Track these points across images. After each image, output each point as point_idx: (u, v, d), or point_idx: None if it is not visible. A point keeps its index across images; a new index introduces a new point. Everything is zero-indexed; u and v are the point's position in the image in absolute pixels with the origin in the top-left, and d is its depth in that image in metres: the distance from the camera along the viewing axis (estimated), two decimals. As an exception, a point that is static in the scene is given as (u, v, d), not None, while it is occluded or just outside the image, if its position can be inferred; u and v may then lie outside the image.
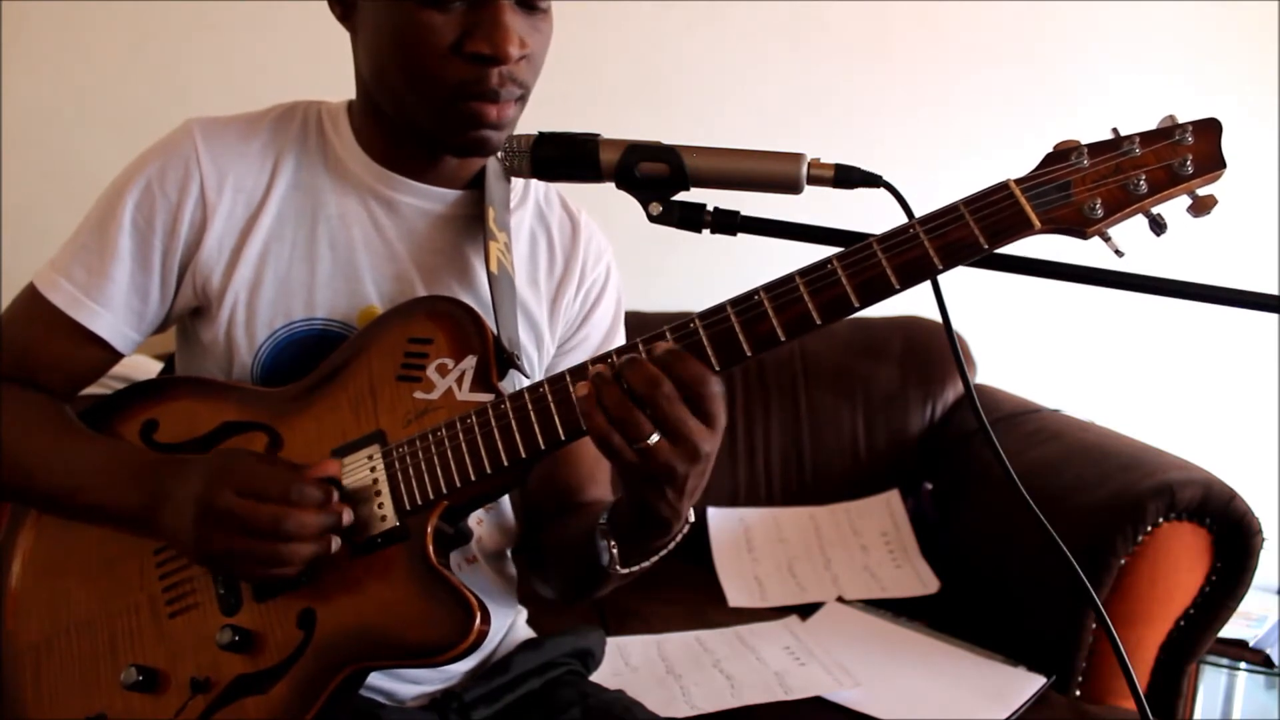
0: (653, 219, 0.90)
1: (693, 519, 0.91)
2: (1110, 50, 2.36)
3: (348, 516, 0.90)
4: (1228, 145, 0.77)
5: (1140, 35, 2.36)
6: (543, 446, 0.88)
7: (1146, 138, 0.79)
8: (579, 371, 0.87)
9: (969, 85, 2.36)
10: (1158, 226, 0.79)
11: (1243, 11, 2.34)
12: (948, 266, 0.80)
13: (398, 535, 0.91)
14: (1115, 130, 0.80)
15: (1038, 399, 2.07)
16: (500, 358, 0.96)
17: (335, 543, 0.89)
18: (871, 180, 0.85)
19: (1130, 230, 0.81)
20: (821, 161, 0.86)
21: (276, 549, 0.87)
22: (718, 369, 0.83)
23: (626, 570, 0.95)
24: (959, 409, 2.15)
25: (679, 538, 0.93)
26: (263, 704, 0.91)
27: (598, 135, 0.91)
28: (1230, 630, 1.77)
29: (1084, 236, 0.79)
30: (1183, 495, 1.49)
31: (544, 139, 0.92)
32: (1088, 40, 2.35)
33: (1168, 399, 2.44)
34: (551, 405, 0.88)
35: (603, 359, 0.86)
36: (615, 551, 0.93)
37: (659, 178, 0.88)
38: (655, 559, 0.95)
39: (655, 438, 0.79)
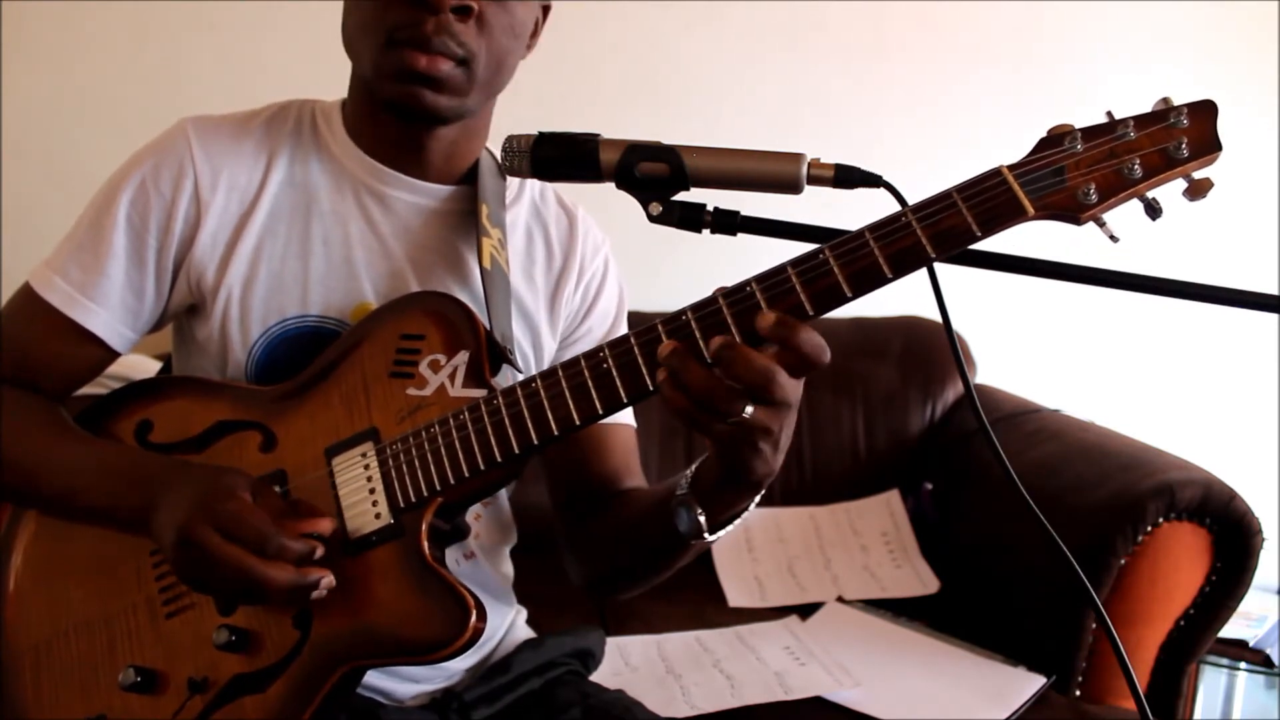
0: (653, 219, 0.89)
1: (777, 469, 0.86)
2: (1110, 50, 2.35)
3: (326, 581, 0.88)
4: (1226, 142, 0.76)
5: (1140, 35, 2.35)
6: (535, 441, 0.87)
7: (1141, 121, 0.78)
8: (572, 364, 0.86)
9: (968, 85, 2.35)
10: (1153, 211, 0.78)
11: (1243, 11, 2.34)
12: (941, 255, 0.79)
13: (392, 533, 0.91)
14: (1109, 114, 0.79)
15: (1038, 399, 2.06)
16: (493, 353, 0.95)
17: (318, 593, 0.88)
18: (871, 180, 0.84)
19: (1129, 227, 0.80)
20: (821, 161, 0.85)
21: (248, 592, 0.87)
22: (710, 361, 0.81)
23: (713, 537, 0.91)
24: (959, 409, 2.15)
25: (760, 494, 0.89)
26: (260, 703, 0.91)
27: (598, 135, 0.91)
28: (1230, 630, 1.77)
29: (1078, 222, 0.78)
30: (1183, 495, 1.49)
31: (544, 139, 0.91)
32: (1087, 40, 2.35)
33: (1168, 399, 2.44)
34: (544, 400, 0.87)
35: (595, 352, 0.85)
36: (703, 519, 0.89)
37: (659, 178, 0.88)
38: (740, 520, 0.92)
39: (751, 409, 0.78)
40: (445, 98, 0.97)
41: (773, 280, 0.81)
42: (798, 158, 0.85)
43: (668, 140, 0.89)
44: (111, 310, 1.02)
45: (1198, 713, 2.07)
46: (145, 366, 1.62)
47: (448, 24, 0.93)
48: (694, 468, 0.91)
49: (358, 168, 1.05)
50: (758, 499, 0.90)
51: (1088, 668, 1.55)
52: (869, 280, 0.79)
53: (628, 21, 2.25)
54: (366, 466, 0.93)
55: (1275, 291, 0.77)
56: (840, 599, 1.80)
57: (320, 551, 0.89)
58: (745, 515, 0.92)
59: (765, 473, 0.84)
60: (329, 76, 1.16)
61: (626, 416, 1.14)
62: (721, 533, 0.91)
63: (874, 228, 0.80)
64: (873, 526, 2.01)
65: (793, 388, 0.79)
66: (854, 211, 0.99)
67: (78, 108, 2.14)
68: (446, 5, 0.92)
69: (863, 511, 2.05)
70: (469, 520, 1.06)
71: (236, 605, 0.93)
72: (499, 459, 0.89)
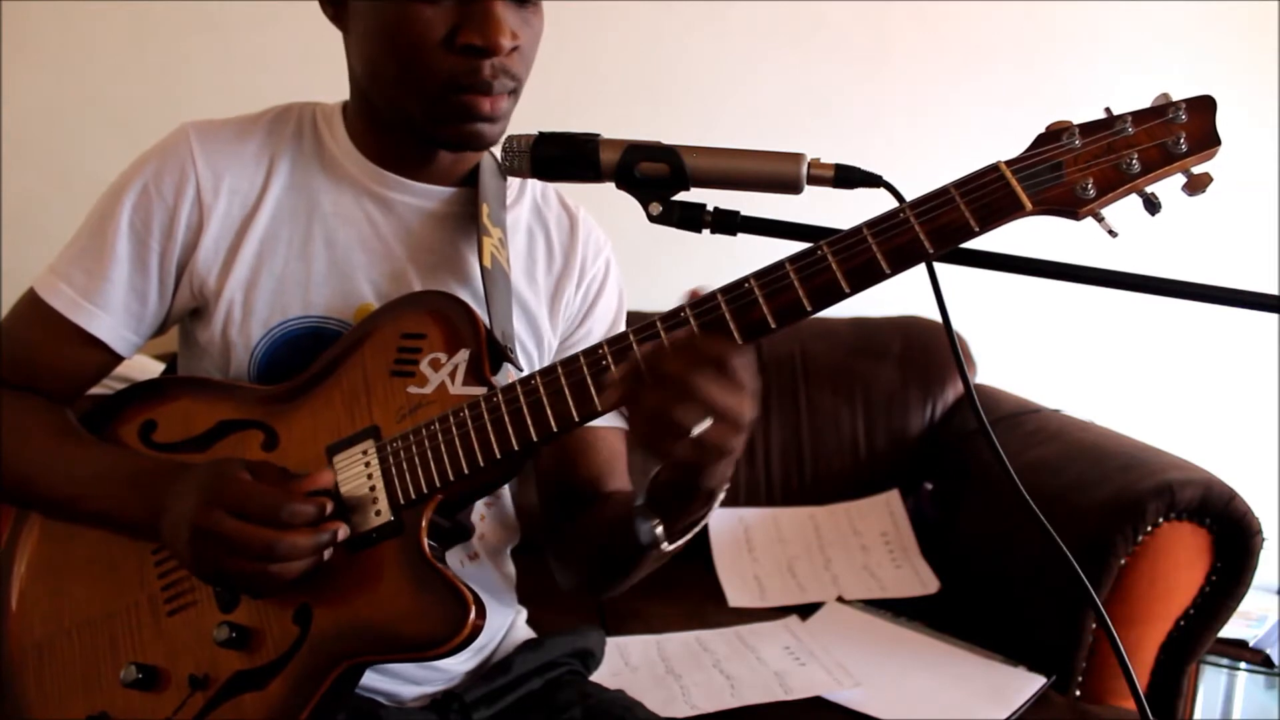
0: (653, 219, 0.89)
1: (728, 484, 0.88)
2: (1110, 50, 2.35)
3: (343, 533, 0.90)
4: (1226, 142, 0.77)
5: (1141, 36, 2.36)
6: (535, 439, 0.88)
7: (1139, 116, 0.78)
8: (570, 363, 0.87)
9: (970, 85, 2.35)
10: (1152, 206, 0.78)
11: (1243, 11, 2.34)
12: (938, 250, 0.79)
13: (392, 530, 0.91)
14: (1108, 109, 0.80)
15: (1038, 399, 2.06)
16: (493, 351, 0.96)
17: (328, 553, 0.89)
18: (872, 180, 0.85)
19: (1128, 224, 0.80)
20: (822, 161, 0.86)
21: (269, 570, 0.87)
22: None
23: (671, 547, 0.92)
24: (959, 409, 2.15)
25: (716, 504, 0.91)
26: (260, 700, 0.91)
27: (598, 135, 0.91)
28: (1230, 630, 1.77)
29: (1076, 217, 0.78)
30: (1183, 495, 1.49)
31: (544, 139, 0.91)
32: (1088, 41, 2.35)
33: (1168, 399, 2.44)
34: (544, 397, 0.87)
35: (594, 350, 0.86)
36: (660, 530, 0.91)
37: (659, 178, 0.88)
38: (695, 531, 0.93)
39: (702, 425, 0.77)
40: (499, 126, 0.98)
41: (771, 277, 0.81)
42: (798, 158, 0.86)
43: (668, 140, 0.89)
44: (114, 315, 1.02)
45: (1198, 713, 2.07)
46: (148, 367, 1.62)
47: (502, 64, 0.94)
48: (649, 481, 0.92)
49: (359, 171, 1.05)
50: (714, 506, 0.91)
51: (1088, 668, 1.55)
52: (867, 276, 0.80)
53: (628, 21, 2.25)
54: (367, 464, 0.93)
55: (1275, 291, 0.77)
56: (840, 599, 1.80)
57: (330, 507, 0.90)
58: (700, 525, 0.93)
59: (716, 485, 0.85)
60: (329, 76, 1.16)
61: (616, 419, 1.14)
62: (680, 543, 0.93)
63: (872, 224, 0.80)
64: (873, 526, 2.01)
65: (735, 402, 0.77)
66: (855, 212, 1.00)
67: (79, 108, 2.14)
68: (505, 50, 0.93)
69: (863, 511, 2.05)
70: (474, 520, 1.06)
71: (255, 591, 0.93)
72: (498, 456, 0.89)
